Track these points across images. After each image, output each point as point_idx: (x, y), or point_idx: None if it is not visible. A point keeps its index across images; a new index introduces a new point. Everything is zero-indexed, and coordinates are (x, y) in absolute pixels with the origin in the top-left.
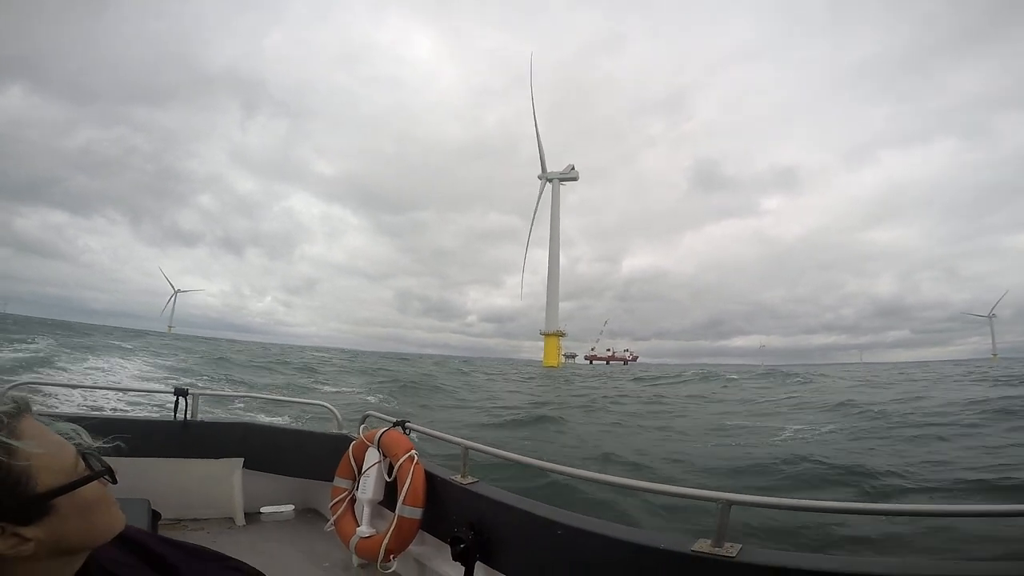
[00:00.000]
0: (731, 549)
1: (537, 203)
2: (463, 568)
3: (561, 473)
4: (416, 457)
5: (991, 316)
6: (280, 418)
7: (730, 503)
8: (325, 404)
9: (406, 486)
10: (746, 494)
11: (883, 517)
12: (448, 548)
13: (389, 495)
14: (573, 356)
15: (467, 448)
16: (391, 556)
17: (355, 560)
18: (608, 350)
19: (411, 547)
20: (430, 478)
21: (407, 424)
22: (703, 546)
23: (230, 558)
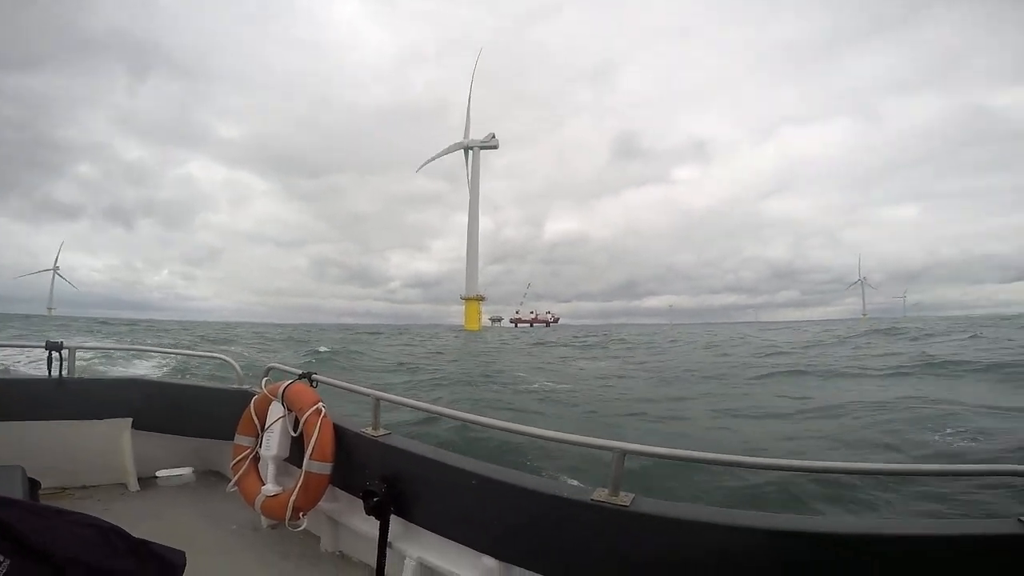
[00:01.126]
0: (625, 498)
1: (468, 171)
2: (377, 522)
3: (470, 422)
4: (324, 410)
5: (862, 280)
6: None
7: (624, 452)
8: (223, 357)
9: (313, 440)
10: (641, 444)
11: (768, 471)
12: (361, 503)
13: (295, 451)
14: (499, 319)
15: (378, 399)
16: (300, 514)
17: (263, 521)
18: (531, 312)
19: (321, 504)
20: (339, 431)
21: (313, 376)
22: (601, 495)
23: (81, 514)
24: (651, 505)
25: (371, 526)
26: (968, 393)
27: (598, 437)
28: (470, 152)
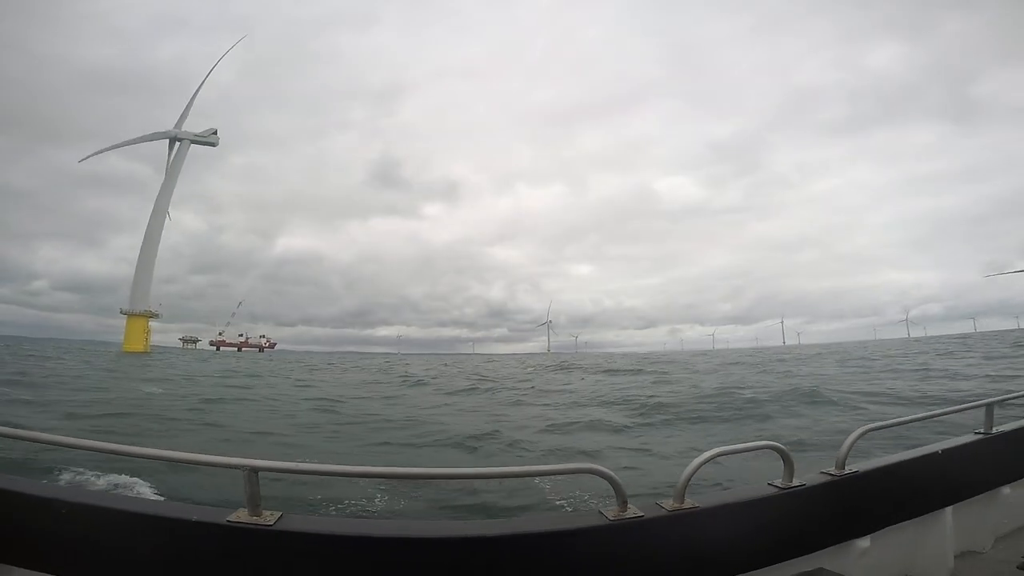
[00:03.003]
0: (270, 517)
1: (168, 162)
2: None
3: (64, 445)
4: None
5: (548, 322)
6: None
7: (255, 470)
8: None
9: None
10: (272, 460)
11: (413, 481)
12: None
13: None
14: (195, 340)
15: None
16: None
17: None
18: (241, 335)
19: None
20: None
21: None
22: (240, 515)
23: None
24: (301, 522)
25: None
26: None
27: (227, 456)
28: (177, 143)
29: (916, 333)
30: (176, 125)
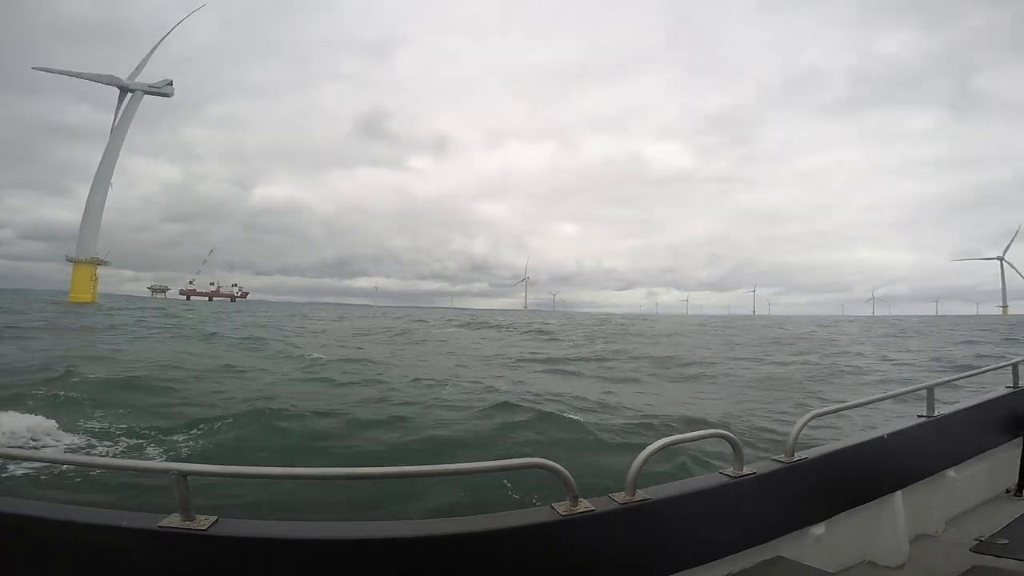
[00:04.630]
0: (204, 522)
1: (118, 113)
2: None
3: None
4: None
5: (526, 279)
6: None
7: (185, 474)
8: None
9: None
10: (202, 463)
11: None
12: None
13: None
14: (164, 289)
15: None
16: None
17: None
18: (212, 284)
19: None
20: None
21: None
22: (174, 520)
23: None
24: (237, 527)
25: None
26: None
27: (153, 460)
28: (129, 94)
29: (881, 311)
30: (131, 76)
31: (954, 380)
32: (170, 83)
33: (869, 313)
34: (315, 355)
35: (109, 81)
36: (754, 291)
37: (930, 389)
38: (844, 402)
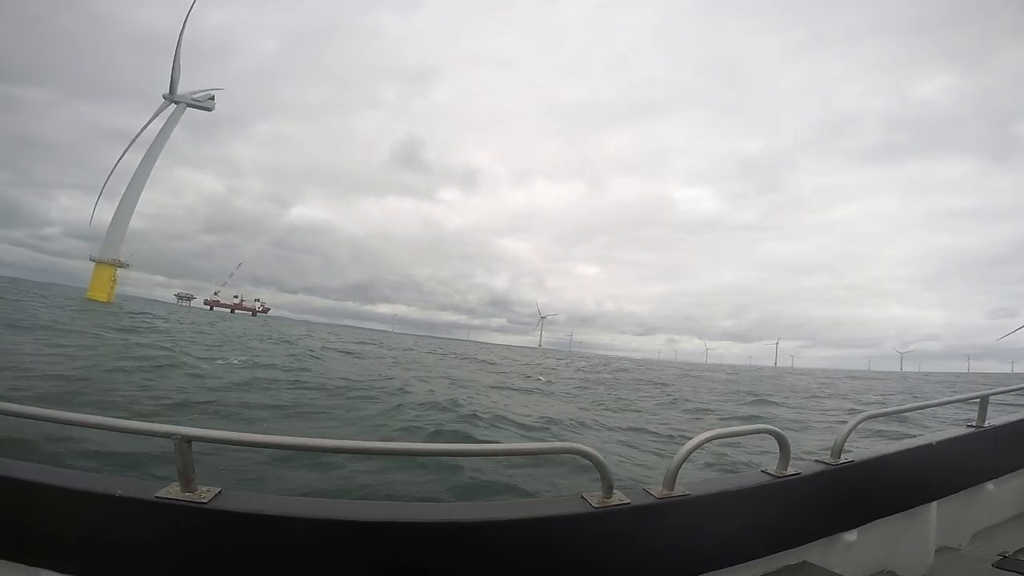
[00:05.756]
0: (205, 494)
1: (158, 122)
2: None
3: None
4: None
5: (542, 318)
6: None
7: (188, 439)
8: None
9: None
10: (208, 428)
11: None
12: None
13: None
14: (190, 298)
15: None
16: None
17: None
18: (236, 297)
19: None
20: None
21: None
22: (173, 491)
23: None
24: (238, 500)
25: None
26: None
27: (154, 422)
28: (173, 104)
29: (910, 367)
30: (171, 89)
31: (1013, 390)
32: (212, 97)
33: (897, 369)
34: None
35: (165, 105)
36: (776, 344)
37: (984, 398)
38: (899, 405)
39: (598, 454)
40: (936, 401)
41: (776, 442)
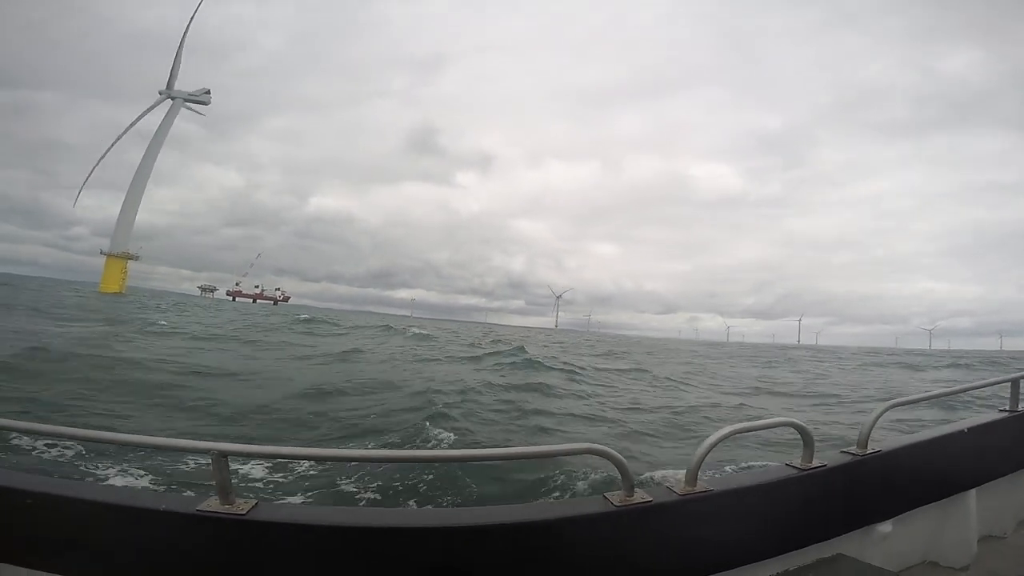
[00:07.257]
0: (243, 506)
1: (158, 117)
2: None
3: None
4: None
5: (558, 297)
6: None
7: (224, 454)
8: None
9: None
10: (243, 443)
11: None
12: None
13: None
14: (213, 289)
15: None
16: None
17: None
18: (257, 287)
19: None
20: None
21: None
22: (212, 504)
23: None
24: (277, 511)
25: None
26: None
27: (193, 439)
28: (170, 100)
29: (939, 345)
30: (168, 85)
31: None
32: (207, 91)
33: (925, 346)
34: None
35: (161, 101)
36: (799, 320)
37: (1015, 382)
38: (924, 392)
39: (618, 454)
40: (964, 387)
41: (799, 435)
